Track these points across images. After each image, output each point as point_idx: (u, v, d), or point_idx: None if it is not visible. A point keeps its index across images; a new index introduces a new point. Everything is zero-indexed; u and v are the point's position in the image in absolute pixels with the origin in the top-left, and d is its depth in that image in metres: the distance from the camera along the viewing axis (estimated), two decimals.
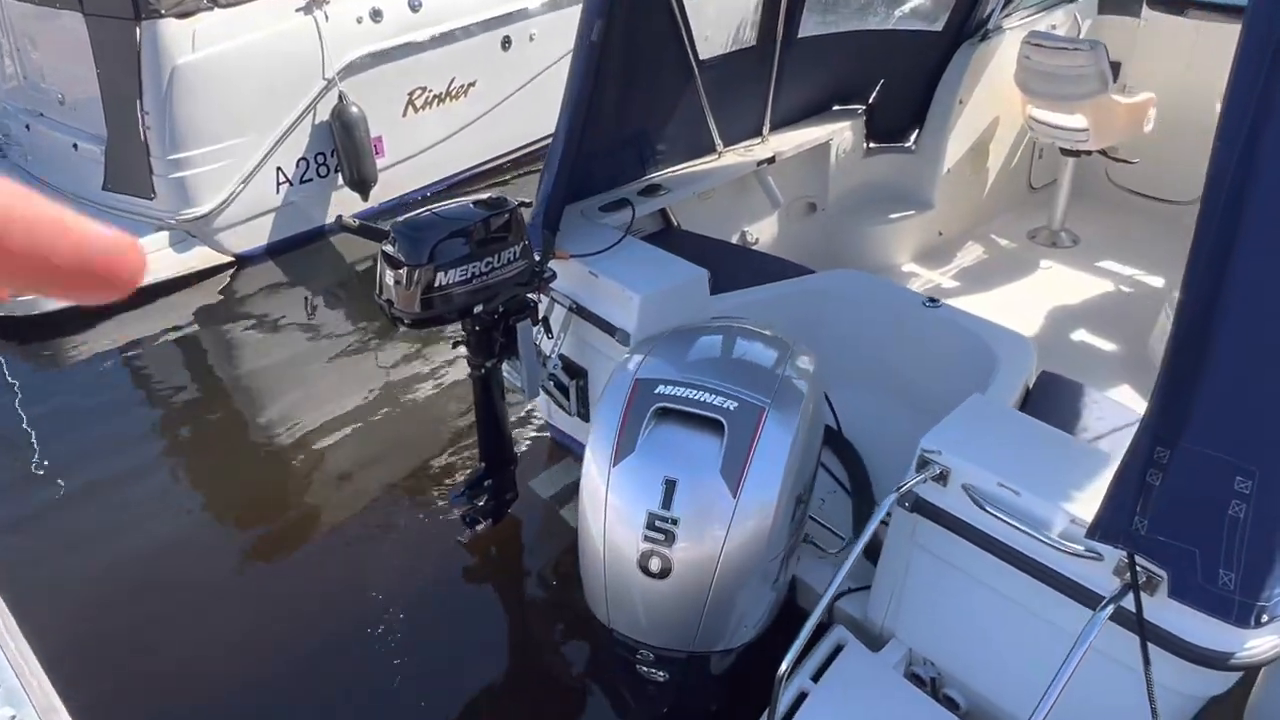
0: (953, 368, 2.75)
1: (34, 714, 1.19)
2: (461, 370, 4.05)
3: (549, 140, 2.90)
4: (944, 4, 3.98)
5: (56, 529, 3.44)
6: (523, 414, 3.80)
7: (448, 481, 3.54)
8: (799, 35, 3.57)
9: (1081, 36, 4.40)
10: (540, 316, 2.83)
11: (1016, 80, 4.14)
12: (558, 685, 2.84)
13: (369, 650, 2.87)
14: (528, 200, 2.73)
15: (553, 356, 2.97)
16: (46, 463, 3.74)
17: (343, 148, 5.22)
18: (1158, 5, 4.42)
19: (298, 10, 5.03)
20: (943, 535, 2.08)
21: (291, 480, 3.70)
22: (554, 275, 2.75)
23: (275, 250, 5.31)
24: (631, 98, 3.10)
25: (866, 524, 2.07)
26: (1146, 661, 1.68)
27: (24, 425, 3.95)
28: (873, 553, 2.29)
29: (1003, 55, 4.18)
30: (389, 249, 2.41)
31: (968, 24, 4.08)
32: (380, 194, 5.53)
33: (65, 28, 4.97)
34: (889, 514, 2.11)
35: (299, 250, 5.36)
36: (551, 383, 2.99)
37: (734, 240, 3.71)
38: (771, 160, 3.62)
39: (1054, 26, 4.33)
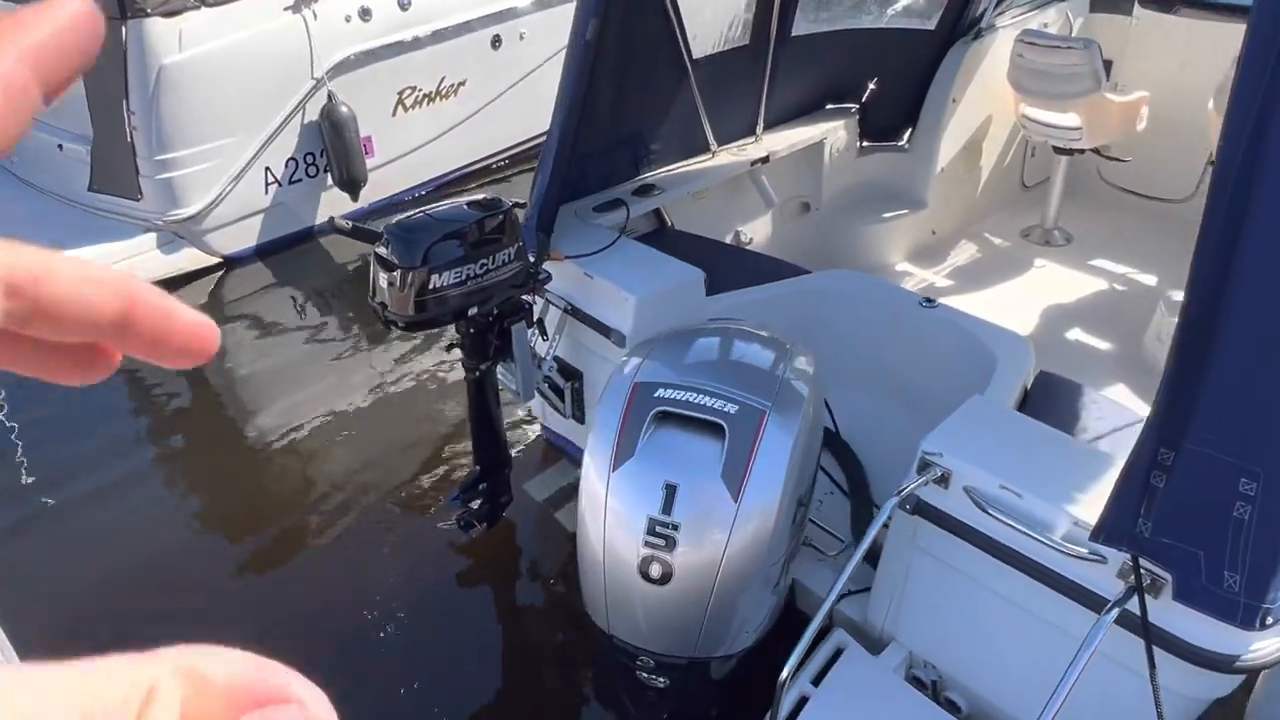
0: (950, 368, 2.74)
1: None
2: (456, 373, 4.04)
3: (540, 139, 2.88)
4: (937, 2, 3.97)
5: (51, 536, 3.40)
6: (517, 416, 3.78)
7: (443, 485, 3.52)
8: (792, 34, 3.55)
9: (1074, 35, 4.40)
10: (535, 318, 2.80)
11: (1009, 79, 4.14)
12: (556, 691, 2.82)
13: (366, 654, 2.85)
14: (522, 201, 2.71)
15: (548, 358, 2.95)
16: (39, 471, 3.69)
17: (332, 148, 5.17)
18: (1150, 4, 4.41)
19: (286, 9, 4.97)
20: (944, 538, 2.07)
21: (285, 484, 3.67)
22: (549, 277, 2.72)
23: (264, 251, 5.26)
24: (626, 97, 3.08)
25: (868, 528, 2.06)
26: (1152, 665, 1.67)
27: (13, 437, 3.89)
28: (872, 555, 2.28)
29: (995, 54, 4.17)
30: (382, 251, 2.38)
31: (960, 22, 4.07)
32: (370, 194, 5.47)
33: None
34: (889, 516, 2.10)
35: (288, 251, 5.30)
36: (546, 385, 2.97)
37: (728, 240, 3.69)
38: (765, 159, 3.60)
39: (1046, 25, 4.33)
